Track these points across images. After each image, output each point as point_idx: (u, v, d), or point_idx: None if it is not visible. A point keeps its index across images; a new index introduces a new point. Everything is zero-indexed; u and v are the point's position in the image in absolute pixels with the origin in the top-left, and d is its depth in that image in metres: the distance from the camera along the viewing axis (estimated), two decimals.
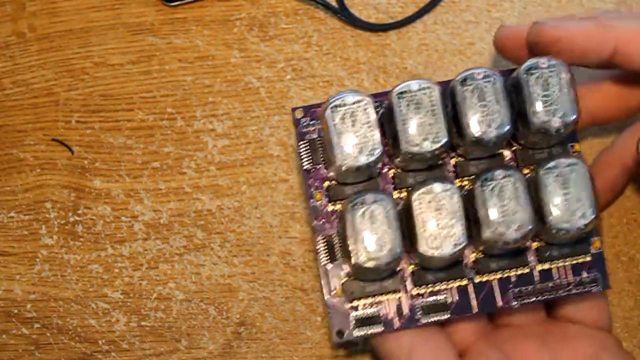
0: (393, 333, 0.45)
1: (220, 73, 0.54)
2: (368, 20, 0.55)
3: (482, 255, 0.45)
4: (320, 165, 0.46)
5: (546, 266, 0.46)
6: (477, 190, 0.43)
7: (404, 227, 0.43)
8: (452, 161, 0.46)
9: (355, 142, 0.43)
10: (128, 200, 0.53)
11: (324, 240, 0.46)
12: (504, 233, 0.43)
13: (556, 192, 0.43)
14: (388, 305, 0.45)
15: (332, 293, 0.45)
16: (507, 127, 0.43)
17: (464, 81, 0.43)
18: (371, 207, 0.43)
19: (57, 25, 0.55)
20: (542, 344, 0.46)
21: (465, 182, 0.46)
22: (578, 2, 0.55)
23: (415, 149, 0.43)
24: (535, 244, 0.46)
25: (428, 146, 0.43)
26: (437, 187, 0.43)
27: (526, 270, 0.46)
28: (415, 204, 0.43)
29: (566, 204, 0.43)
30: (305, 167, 0.46)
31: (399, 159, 0.44)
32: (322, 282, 0.45)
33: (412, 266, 0.45)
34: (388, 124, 0.44)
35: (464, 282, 0.46)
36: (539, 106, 0.43)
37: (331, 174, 0.45)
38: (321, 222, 0.46)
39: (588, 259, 0.46)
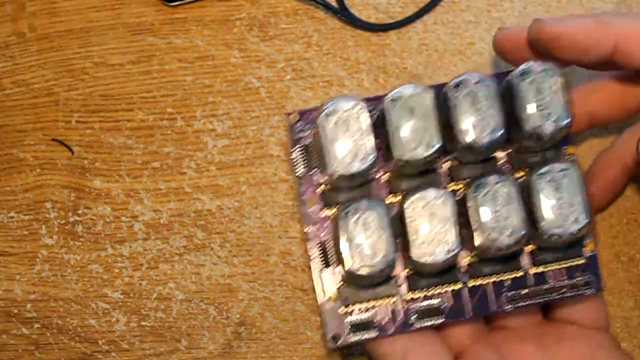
0: (387, 338, 0.45)
1: (220, 73, 0.54)
2: (368, 20, 0.54)
3: (476, 260, 0.45)
4: (315, 170, 0.46)
5: (540, 269, 0.46)
6: (470, 196, 0.43)
7: (398, 233, 0.43)
8: (447, 164, 0.46)
9: (349, 148, 0.42)
10: (128, 200, 0.53)
11: (319, 246, 0.46)
12: (496, 239, 0.42)
13: (549, 198, 0.43)
14: (382, 310, 0.45)
15: (327, 298, 0.45)
16: (500, 132, 0.43)
17: (457, 86, 0.43)
18: (364, 213, 0.42)
19: (57, 25, 0.55)
20: (539, 345, 0.46)
21: (460, 186, 0.45)
22: (578, 2, 0.55)
23: (409, 155, 0.43)
24: (529, 247, 0.46)
25: (421, 152, 0.43)
26: (431, 193, 0.43)
27: (520, 274, 0.46)
28: (408, 211, 0.43)
29: (559, 209, 0.43)
30: (298, 173, 0.46)
31: (392, 164, 0.44)
32: (317, 288, 0.45)
33: (407, 270, 0.45)
34: (382, 128, 0.44)
35: (458, 287, 0.45)
36: (531, 110, 0.43)
37: (325, 178, 0.45)
38: (315, 229, 0.46)
39: (581, 261, 0.46)
